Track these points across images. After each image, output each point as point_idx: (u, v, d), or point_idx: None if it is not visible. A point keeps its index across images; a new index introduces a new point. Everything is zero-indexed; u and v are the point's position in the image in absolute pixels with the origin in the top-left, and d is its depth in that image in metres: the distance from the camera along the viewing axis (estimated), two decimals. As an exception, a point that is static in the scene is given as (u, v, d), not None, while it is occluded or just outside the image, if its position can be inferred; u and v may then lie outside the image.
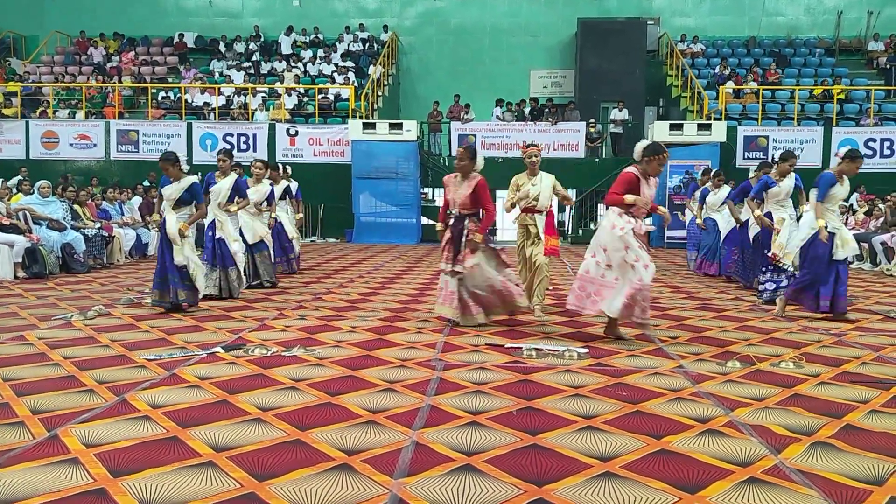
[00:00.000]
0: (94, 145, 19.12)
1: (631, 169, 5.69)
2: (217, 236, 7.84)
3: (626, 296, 5.40)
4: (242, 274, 8.08)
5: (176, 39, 23.83)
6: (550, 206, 6.96)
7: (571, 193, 21.30)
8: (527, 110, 20.55)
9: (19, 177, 11.71)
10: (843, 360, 5.11)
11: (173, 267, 6.80)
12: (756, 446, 3.28)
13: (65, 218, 10.47)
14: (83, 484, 2.78)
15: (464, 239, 6.16)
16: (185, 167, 6.97)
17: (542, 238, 6.77)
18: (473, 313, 6.25)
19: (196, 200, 6.98)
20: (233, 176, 7.96)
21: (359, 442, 3.28)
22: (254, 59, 22.62)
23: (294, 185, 10.55)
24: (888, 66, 21.39)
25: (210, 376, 4.43)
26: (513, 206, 6.99)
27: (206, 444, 3.22)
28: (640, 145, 5.66)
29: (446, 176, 6.46)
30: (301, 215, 10.60)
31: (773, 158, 9.76)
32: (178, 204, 6.89)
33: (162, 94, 20.69)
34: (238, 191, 7.98)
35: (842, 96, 19.63)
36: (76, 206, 11.17)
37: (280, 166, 10.40)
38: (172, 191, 6.88)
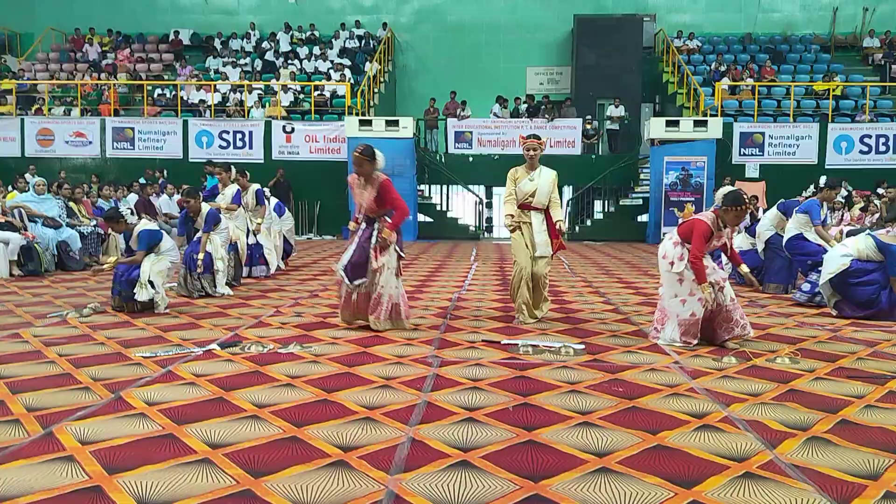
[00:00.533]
0: (90, 143, 19.08)
1: (704, 217, 5.32)
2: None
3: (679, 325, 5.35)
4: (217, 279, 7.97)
5: (171, 37, 23.77)
6: (549, 206, 6.43)
7: (567, 191, 21.38)
8: (522, 108, 20.54)
9: (28, 175, 11.50)
10: (838, 355, 5.13)
11: (126, 282, 6.72)
12: (752, 441, 3.28)
13: (60, 215, 10.44)
14: (78, 481, 2.78)
15: (373, 238, 5.82)
16: (132, 219, 7.03)
17: (542, 243, 6.31)
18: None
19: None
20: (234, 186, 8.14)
21: (355, 438, 3.28)
22: (251, 55, 22.59)
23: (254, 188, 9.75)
24: (883, 63, 21.42)
25: (206, 373, 4.43)
26: (509, 198, 6.42)
27: (201, 441, 3.21)
28: (721, 192, 5.36)
29: (350, 176, 6.01)
30: (260, 220, 9.63)
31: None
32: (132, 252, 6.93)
33: (158, 91, 20.64)
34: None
35: (837, 92, 19.66)
36: (72, 204, 11.14)
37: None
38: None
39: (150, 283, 6.61)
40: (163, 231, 7.29)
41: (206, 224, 7.76)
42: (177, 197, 13.82)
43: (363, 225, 5.95)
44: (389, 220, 5.84)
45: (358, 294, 5.92)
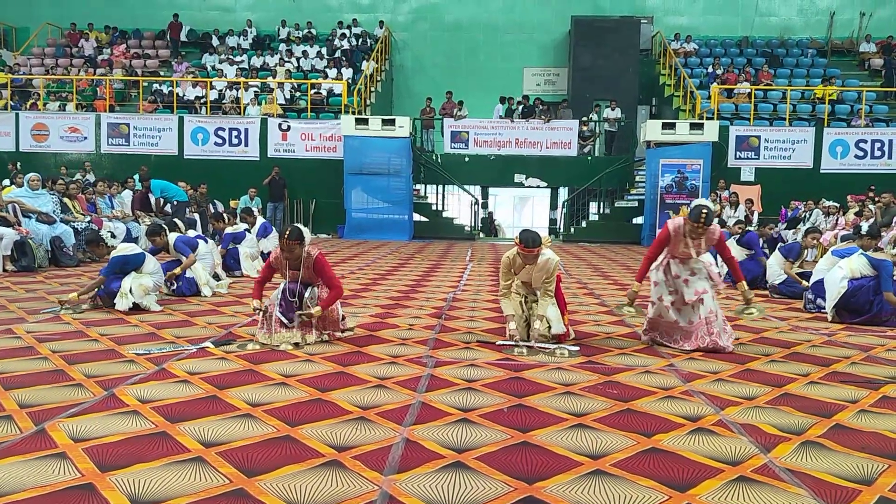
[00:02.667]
0: (85, 138, 19.02)
1: (671, 223, 5.39)
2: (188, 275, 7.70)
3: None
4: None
5: (171, 20, 23.35)
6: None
7: (563, 192, 21.41)
8: (517, 109, 20.52)
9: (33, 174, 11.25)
10: (832, 359, 5.13)
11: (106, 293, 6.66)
12: (746, 445, 3.29)
13: (54, 211, 10.40)
14: (71, 479, 2.76)
15: (304, 300, 5.35)
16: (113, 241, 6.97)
17: (555, 318, 5.44)
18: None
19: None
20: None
21: (349, 438, 3.27)
22: (247, 52, 22.55)
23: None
24: (880, 68, 21.49)
25: (200, 371, 4.41)
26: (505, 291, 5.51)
27: (194, 440, 3.20)
28: (694, 202, 5.35)
29: (274, 254, 5.49)
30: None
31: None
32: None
33: (154, 87, 20.58)
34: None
35: (833, 97, 19.71)
36: (66, 200, 11.10)
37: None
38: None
39: (131, 291, 6.52)
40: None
41: (183, 250, 7.63)
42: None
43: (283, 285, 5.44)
44: (322, 298, 5.35)
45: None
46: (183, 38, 23.75)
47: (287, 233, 5.21)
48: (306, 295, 5.37)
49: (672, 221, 5.41)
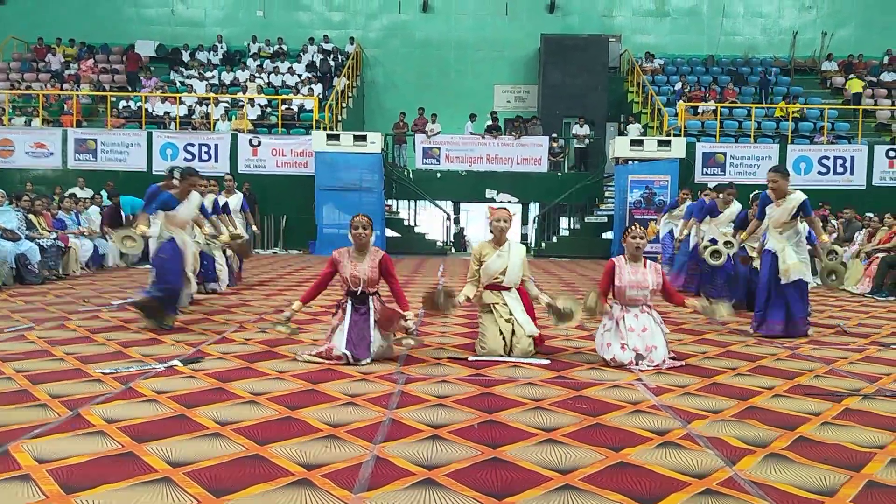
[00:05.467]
0: (51, 154, 18.74)
1: (616, 257, 5.64)
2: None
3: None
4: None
5: (129, 51, 23.07)
6: (522, 284, 5.74)
7: (534, 207, 21.54)
8: (486, 125, 20.65)
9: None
10: (796, 372, 5.22)
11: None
12: (712, 458, 3.33)
13: (19, 228, 10.23)
14: (35, 501, 2.72)
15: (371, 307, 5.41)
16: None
17: (526, 322, 5.60)
18: None
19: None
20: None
21: (319, 456, 3.26)
22: (218, 68, 22.44)
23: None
24: (841, 86, 21.99)
25: (167, 390, 4.36)
26: (470, 289, 5.76)
27: (162, 460, 3.17)
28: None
29: (336, 252, 5.50)
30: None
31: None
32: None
33: (122, 102, 20.38)
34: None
35: (797, 115, 20.13)
36: (31, 216, 10.93)
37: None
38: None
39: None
40: None
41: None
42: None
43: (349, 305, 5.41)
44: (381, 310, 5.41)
45: None
46: (152, 53, 23.57)
47: (359, 215, 5.40)
48: (371, 304, 5.36)
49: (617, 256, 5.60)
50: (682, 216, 11.09)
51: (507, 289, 5.69)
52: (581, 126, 20.43)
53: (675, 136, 18.73)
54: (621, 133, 21.08)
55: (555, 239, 20.03)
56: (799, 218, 6.75)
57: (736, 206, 9.61)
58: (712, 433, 3.71)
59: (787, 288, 6.69)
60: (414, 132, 20.16)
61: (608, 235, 19.13)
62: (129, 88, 21.67)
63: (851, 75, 21.89)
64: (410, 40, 24.76)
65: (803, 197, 6.68)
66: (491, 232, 5.74)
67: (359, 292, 5.37)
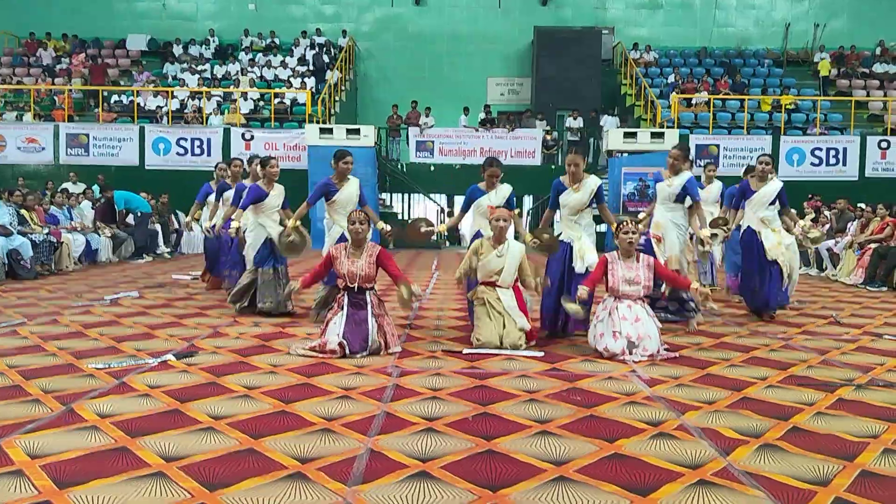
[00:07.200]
0: (43, 148, 18.65)
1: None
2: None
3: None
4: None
5: (93, 66, 22.39)
6: (517, 283, 5.82)
7: (528, 200, 21.52)
8: (481, 118, 20.63)
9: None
10: (790, 363, 5.24)
11: None
12: (706, 449, 3.34)
13: (11, 223, 10.18)
14: (28, 497, 2.71)
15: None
16: None
17: (520, 317, 5.67)
18: None
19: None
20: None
21: (313, 450, 3.26)
22: (210, 62, 22.32)
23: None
24: (834, 78, 22.02)
25: (161, 384, 4.35)
26: (463, 276, 5.93)
27: (155, 454, 3.16)
28: None
29: (332, 247, 5.77)
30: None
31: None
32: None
33: (114, 97, 20.27)
34: None
35: (790, 106, 20.16)
36: (23, 211, 10.88)
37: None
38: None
39: None
40: None
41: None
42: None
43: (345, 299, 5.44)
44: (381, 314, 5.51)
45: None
46: (143, 47, 23.44)
47: (356, 210, 5.65)
48: (368, 298, 5.43)
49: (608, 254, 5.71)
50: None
51: (503, 287, 5.76)
52: (575, 119, 20.40)
53: (668, 128, 18.72)
54: (593, 124, 20.91)
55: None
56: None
57: (717, 185, 9.65)
58: (706, 424, 3.72)
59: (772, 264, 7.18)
60: (407, 125, 20.12)
61: (602, 228, 19.13)
62: (125, 80, 21.54)
63: (824, 54, 22.00)
64: (403, 33, 24.67)
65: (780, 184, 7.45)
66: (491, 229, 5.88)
67: (356, 288, 5.37)
